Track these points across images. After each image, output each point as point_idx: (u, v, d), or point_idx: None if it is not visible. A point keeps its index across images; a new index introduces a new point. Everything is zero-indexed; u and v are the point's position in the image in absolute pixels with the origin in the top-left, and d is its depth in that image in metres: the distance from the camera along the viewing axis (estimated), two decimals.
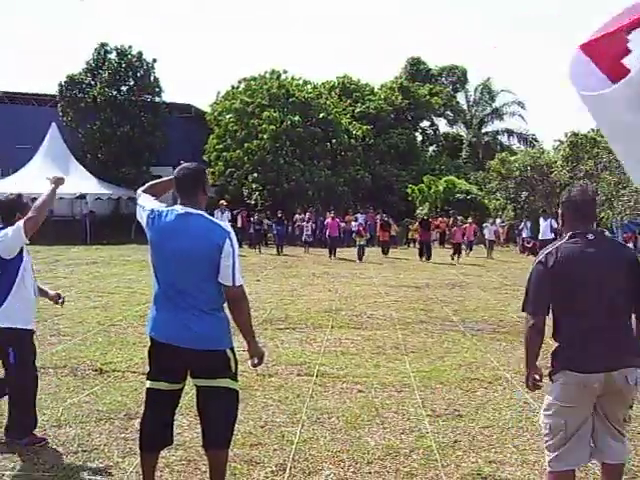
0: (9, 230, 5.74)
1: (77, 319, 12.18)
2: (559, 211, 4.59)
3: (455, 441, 6.12)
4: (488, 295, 16.48)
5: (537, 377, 4.44)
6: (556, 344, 4.41)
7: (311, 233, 31.70)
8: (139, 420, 6.59)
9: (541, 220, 26.81)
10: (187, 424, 6.54)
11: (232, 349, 4.85)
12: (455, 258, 26.96)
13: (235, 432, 6.31)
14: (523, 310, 4.42)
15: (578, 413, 4.25)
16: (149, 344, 4.87)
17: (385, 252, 28.92)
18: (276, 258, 27.35)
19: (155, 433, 4.80)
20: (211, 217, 4.60)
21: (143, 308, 13.45)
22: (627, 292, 4.23)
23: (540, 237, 26.14)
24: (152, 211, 4.65)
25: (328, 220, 30.49)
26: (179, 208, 4.56)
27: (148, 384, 4.85)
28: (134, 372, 8.46)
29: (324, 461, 5.68)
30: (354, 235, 28.27)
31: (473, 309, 14.18)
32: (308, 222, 32.08)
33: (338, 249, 28.91)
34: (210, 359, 4.67)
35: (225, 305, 4.75)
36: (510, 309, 14.16)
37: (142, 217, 4.72)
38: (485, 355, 9.68)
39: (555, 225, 25.66)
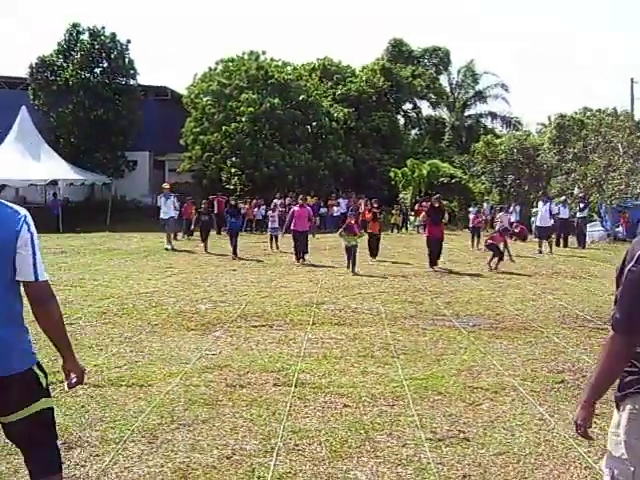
0: None
1: (30, 317, 10.92)
2: None
3: (464, 476, 5.01)
4: (480, 285, 15.40)
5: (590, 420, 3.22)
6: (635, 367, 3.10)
7: (278, 225, 23.84)
8: (80, 450, 5.50)
9: (540, 204, 25.21)
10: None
11: (37, 362, 3.73)
12: (474, 244, 25.09)
13: (195, 464, 5.24)
14: (615, 326, 3.05)
15: None
16: None
17: (374, 252, 20.63)
18: (246, 249, 23.27)
19: None
20: (5, 201, 3.54)
21: (106, 303, 12.33)
22: None
23: (538, 223, 24.40)
24: None
25: (295, 208, 21.02)
26: None
27: None
28: (84, 384, 7.25)
29: None
30: (342, 232, 18.26)
31: (466, 301, 13.08)
32: (274, 210, 26.22)
33: (317, 235, 27.09)
34: (19, 385, 3.49)
35: None
36: (507, 300, 13.11)
37: None
38: (486, 357, 8.59)
39: (555, 210, 24.56)
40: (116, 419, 6.19)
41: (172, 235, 23.99)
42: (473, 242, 25.05)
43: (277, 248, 23.25)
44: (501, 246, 18.35)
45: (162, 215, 23.94)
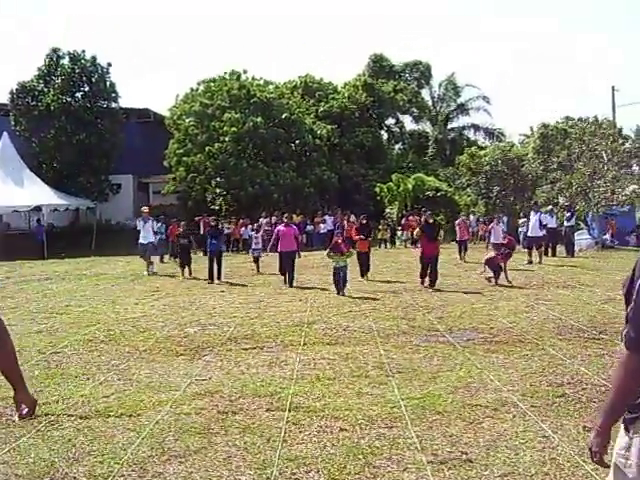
0: None
1: (15, 347, 10.66)
2: None
3: None
4: (472, 298, 15.23)
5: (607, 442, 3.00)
6: None
7: (262, 247, 23.11)
8: None
9: (532, 214, 25.03)
10: None
11: None
12: (461, 255, 25.07)
13: None
14: (629, 345, 2.82)
15: None
16: None
17: (364, 272, 19.72)
18: (233, 269, 23.08)
19: None
20: None
21: (93, 330, 12.07)
22: None
23: (529, 233, 24.28)
24: None
25: (280, 227, 19.70)
26: None
27: None
28: (70, 415, 7.05)
29: None
30: (330, 253, 17.21)
31: (459, 315, 12.91)
32: (258, 232, 25.39)
33: (304, 253, 26.59)
34: None
35: None
36: (499, 313, 12.95)
37: None
38: (482, 372, 8.39)
39: (545, 221, 24.40)
40: (104, 452, 5.94)
41: (151, 260, 23.17)
42: (460, 254, 25.02)
43: (257, 270, 22.33)
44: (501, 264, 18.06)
45: (141, 240, 23.16)
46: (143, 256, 23.06)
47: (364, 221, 20.97)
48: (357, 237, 20.10)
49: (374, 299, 15.48)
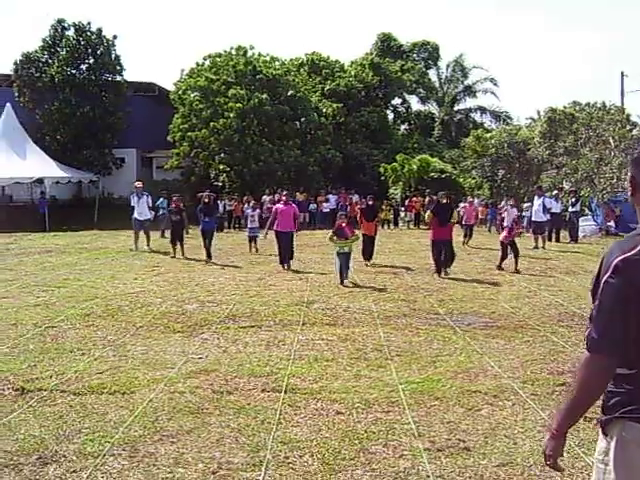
0: None
1: (11, 320, 10.62)
2: (629, 174, 2.91)
3: None
4: (473, 281, 15.09)
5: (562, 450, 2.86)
6: (622, 387, 2.74)
7: (258, 226, 21.97)
8: (56, 466, 5.15)
9: (535, 198, 24.64)
10: None
11: None
12: (465, 240, 23.99)
13: None
14: (590, 347, 2.68)
15: None
16: None
17: (368, 256, 18.35)
18: (234, 247, 23.13)
19: None
20: None
21: (90, 305, 11.97)
22: None
23: (533, 218, 23.88)
24: None
25: (279, 206, 18.23)
26: None
27: None
28: (64, 391, 6.96)
29: None
30: (333, 237, 15.30)
31: (460, 298, 12.78)
32: (254, 209, 23.38)
33: (304, 231, 26.04)
34: None
35: None
36: (501, 298, 12.83)
37: None
38: (482, 358, 8.27)
39: (549, 205, 24.12)
40: (96, 430, 5.84)
41: (148, 235, 22.27)
42: (465, 239, 24.37)
43: (256, 251, 21.36)
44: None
45: (137, 216, 22.02)
46: (137, 232, 22.05)
47: (370, 202, 19.34)
48: (357, 212, 19.42)
49: (375, 280, 15.34)
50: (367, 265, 17.98)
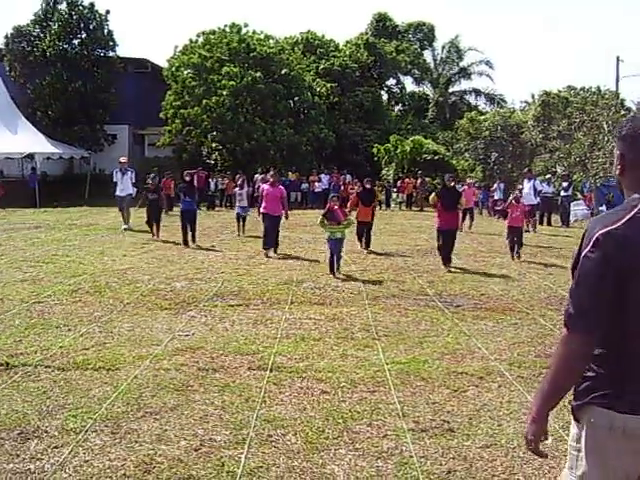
0: None
1: None
2: (617, 152, 2.76)
3: (449, 471, 4.68)
4: (463, 263, 15.06)
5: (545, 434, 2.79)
6: (591, 371, 2.68)
7: (247, 205, 20.76)
8: (37, 441, 5.12)
9: (525, 182, 24.31)
10: None
11: None
12: (470, 224, 23.10)
13: (160, 457, 4.87)
14: (568, 324, 2.61)
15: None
16: None
17: (366, 243, 17.18)
18: (225, 225, 22.44)
19: None
20: None
21: (78, 281, 11.90)
22: None
23: (524, 201, 23.49)
24: None
25: (265, 187, 17.10)
26: None
27: None
28: (48, 367, 6.91)
29: None
30: (323, 220, 13.50)
31: (450, 280, 12.75)
32: (242, 187, 21.09)
33: (294, 210, 25.73)
34: None
35: None
36: (491, 280, 12.81)
37: None
38: (470, 340, 8.25)
39: (540, 187, 24.06)
40: (79, 406, 5.81)
41: (129, 212, 21.22)
42: (464, 223, 23.49)
43: (243, 232, 20.13)
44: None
45: (119, 192, 21.06)
46: (122, 210, 21.16)
47: (368, 185, 17.66)
48: (352, 194, 18.12)
49: (365, 260, 15.31)
50: (365, 252, 16.64)
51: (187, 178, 18.68)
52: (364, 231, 17.12)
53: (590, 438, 2.65)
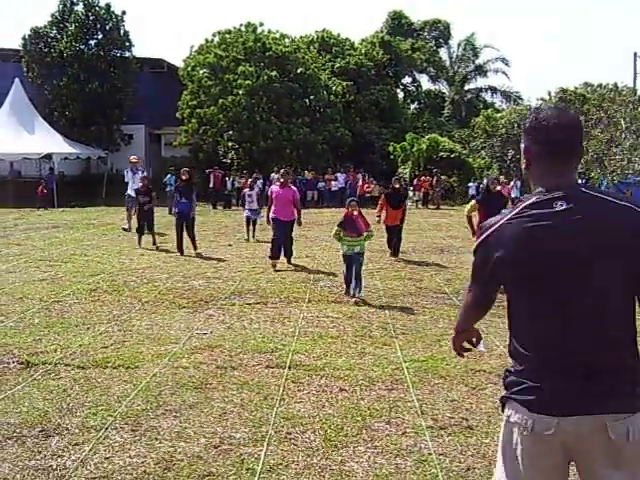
0: None
1: (17, 294, 10.64)
2: (522, 145, 2.74)
3: (468, 468, 4.69)
4: None
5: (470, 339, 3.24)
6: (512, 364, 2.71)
7: (257, 207, 18.78)
8: (59, 438, 5.16)
9: None
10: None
11: None
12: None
13: (180, 454, 4.90)
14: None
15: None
16: None
17: (395, 251, 15.53)
18: (242, 223, 19.84)
19: None
20: None
21: (96, 280, 11.98)
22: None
23: None
24: None
25: (274, 188, 14.51)
26: None
27: None
28: (68, 365, 6.98)
29: None
30: (339, 231, 10.84)
31: (467, 278, 12.69)
32: (252, 189, 19.59)
33: (310, 209, 26.06)
34: None
35: None
36: None
37: None
38: (488, 337, 8.22)
39: None
40: (99, 404, 5.86)
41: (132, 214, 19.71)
42: None
43: (253, 237, 18.76)
44: None
45: (129, 192, 19.83)
46: (130, 210, 19.72)
47: (397, 185, 15.96)
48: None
49: (381, 258, 15.28)
50: (394, 260, 15.19)
51: (184, 177, 16.25)
52: (393, 236, 15.57)
53: (506, 434, 2.66)
